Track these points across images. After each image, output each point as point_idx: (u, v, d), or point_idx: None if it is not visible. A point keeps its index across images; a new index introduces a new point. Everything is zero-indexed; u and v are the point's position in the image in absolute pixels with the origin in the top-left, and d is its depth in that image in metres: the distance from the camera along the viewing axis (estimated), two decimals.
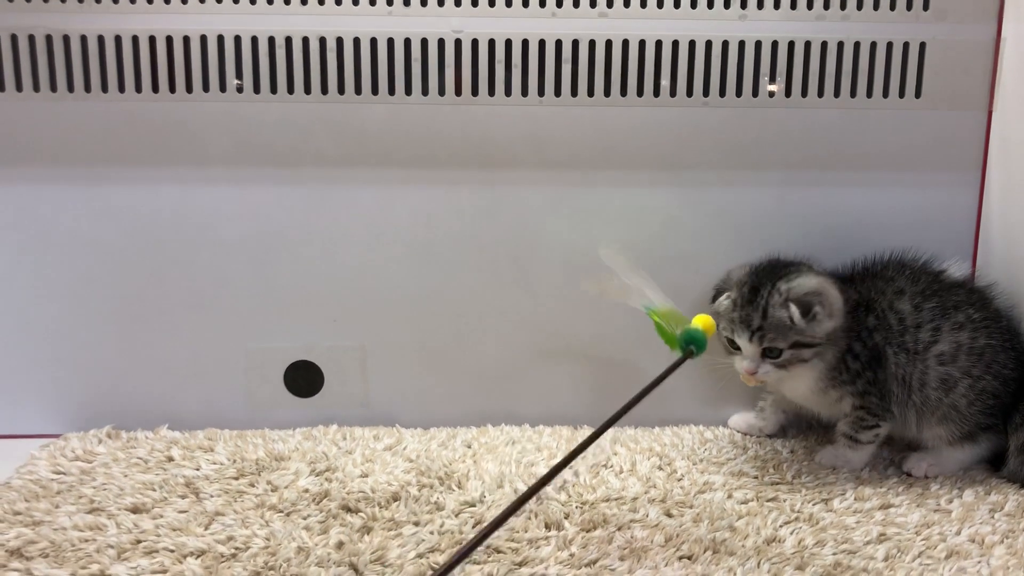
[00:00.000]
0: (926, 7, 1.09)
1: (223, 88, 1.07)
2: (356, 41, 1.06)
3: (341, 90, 1.08)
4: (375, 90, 1.08)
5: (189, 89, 1.07)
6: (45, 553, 0.84)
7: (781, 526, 0.92)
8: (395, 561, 0.84)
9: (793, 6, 1.08)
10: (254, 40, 1.06)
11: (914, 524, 0.92)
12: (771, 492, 0.99)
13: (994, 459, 1.05)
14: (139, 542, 0.86)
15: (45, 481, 0.98)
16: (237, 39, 1.06)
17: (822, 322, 0.99)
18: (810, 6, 1.08)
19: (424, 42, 1.07)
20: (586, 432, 1.14)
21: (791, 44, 1.09)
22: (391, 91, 1.08)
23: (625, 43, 1.08)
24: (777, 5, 1.08)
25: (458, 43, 1.07)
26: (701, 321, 0.92)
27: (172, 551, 0.85)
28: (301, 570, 0.82)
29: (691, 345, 0.90)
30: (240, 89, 1.06)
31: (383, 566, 0.83)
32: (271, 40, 1.06)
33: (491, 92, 1.09)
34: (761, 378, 1.01)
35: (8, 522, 0.89)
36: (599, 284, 0.99)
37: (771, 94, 1.09)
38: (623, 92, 1.09)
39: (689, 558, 0.85)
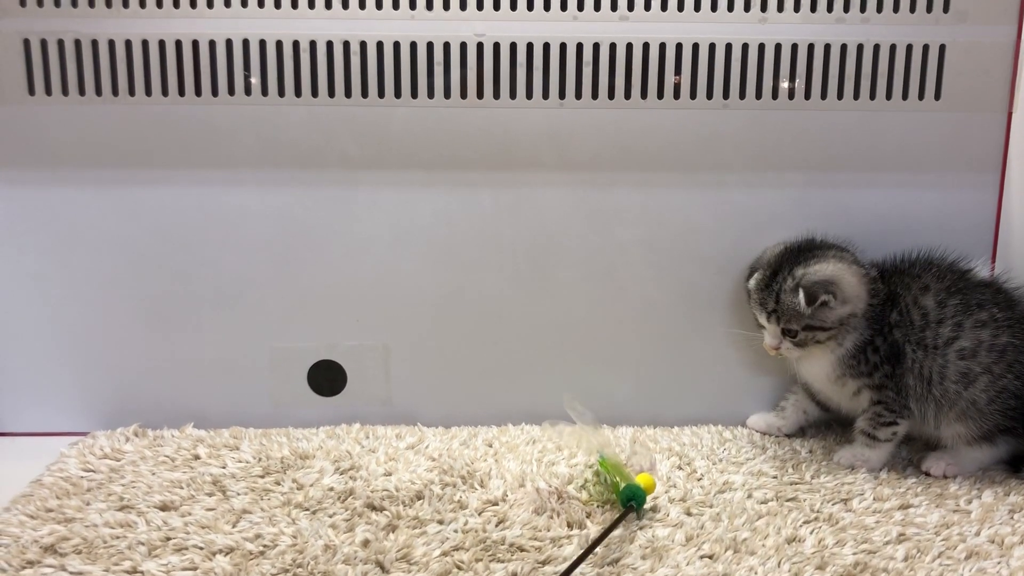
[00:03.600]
0: (946, 9, 1.09)
1: (248, 91, 1.08)
2: (379, 44, 1.08)
3: (365, 93, 1.09)
4: (398, 93, 1.09)
5: (215, 92, 1.08)
6: (78, 549, 0.86)
7: (801, 526, 0.92)
8: (420, 559, 0.85)
9: (813, 8, 1.08)
10: (279, 44, 1.07)
11: (933, 524, 0.93)
12: (791, 492, 1.00)
13: (1013, 461, 1.06)
14: (169, 539, 0.88)
15: (75, 479, 1.00)
16: (262, 43, 1.07)
17: (833, 309, 1.02)
18: (830, 8, 1.09)
19: (447, 45, 1.08)
20: (605, 431, 1.15)
21: (811, 46, 1.09)
22: (414, 94, 1.09)
23: (646, 46, 1.09)
24: (797, 8, 1.08)
25: (480, 46, 1.08)
26: (643, 480, 0.95)
27: (201, 548, 0.86)
28: (329, 567, 0.83)
29: (631, 500, 0.93)
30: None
31: (409, 564, 0.85)
32: (296, 44, 1.07)
33: (512, 95, 1.10)
34: (784, 353, 1.06)
35: (41, 519, 0.91)
36: (559, 432, 1.09)
37: (790, 93, 1.10)
38: (643, 95, 1.10)
39: (710, 557, 0.86)
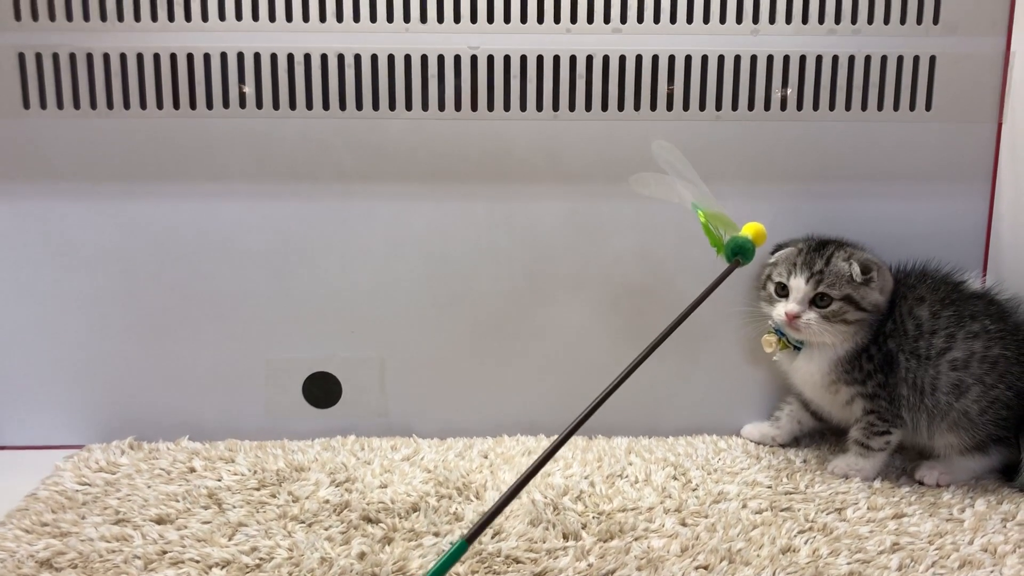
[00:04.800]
0: (936, 21, 1.10)
1: (243, 105, 1.08)
2: (374, 57, 1.08)
3: (359, 105, 1.09)
4: (392, 105, 1.09)
5: (210, 105, 1.08)
6: (74, 564, 0.86)
7: (795, 535, 0.93)
8: (416, 572, 0.85)
9: (804, 21, 1.09)
10: (273, 57, 1.07)
11: (927, 533, 0.93)
12: (785, 502, 1.00)
13: (1006, 469, 1.07)
14: (165, 553, 0.88)
15: (71, 492, 1.00)
16: (257, 56, 1.07)
17: (874, 291, 1.04)
18: (821, 20, 1.09)
19: (441, 58, 1.08)
20: (600, 442, 1.15)
21: (803, 58, 1.10)
22: (408, 106, 1.10)
23: (639, 58, 1.09)
24: (789, 20, 1.09)
25: (474, 59, 1.09)
26: (751, 229, 0.85)
27: (198, 562, 0.86)
28: None
29: (738, 255, 0.83)
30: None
31: None
32: (290, 57, 1.07)
33: (506, 107, 1.10)
34: (801, 324, 1.04)
35: (36, 533, 0.91)
36: (647, 183, 0.95)
37: (783, 101, 1.11)
38: (636, 106, 1.11)
39: (706, 568, 0.87)
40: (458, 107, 1.10)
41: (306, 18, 1.07)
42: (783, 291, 1.07)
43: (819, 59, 1.10)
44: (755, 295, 1.13)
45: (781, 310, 1.05)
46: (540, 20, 1.08)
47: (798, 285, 1.05)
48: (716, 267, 1.14)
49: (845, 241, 1.09)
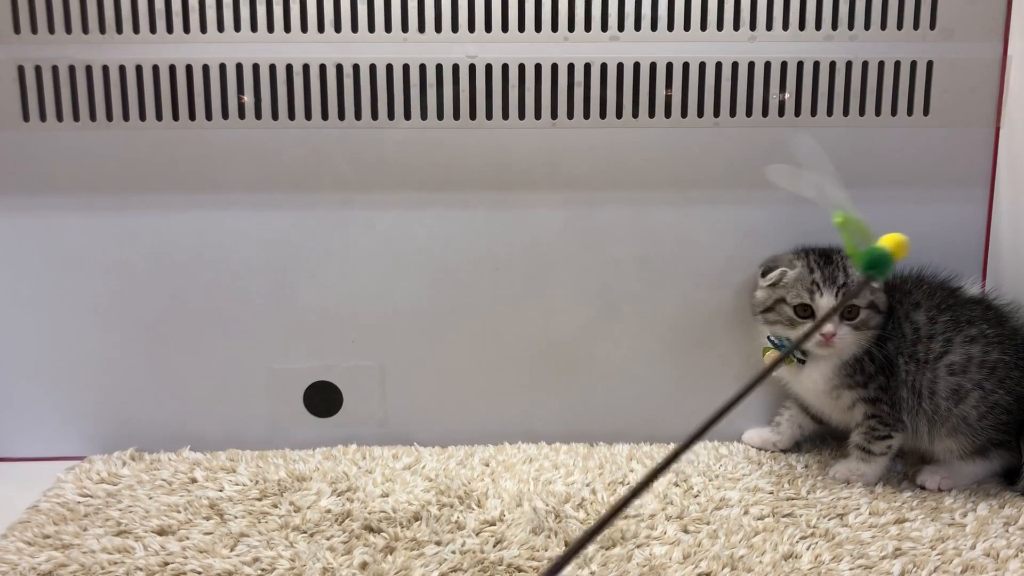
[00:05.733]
0: (933, 26, 1.10)
1: (242, 115, 1.09)
2: (372, 67, 1.08)
3: (358, 115, 1.10)
4: (391, 115, 1.10)
5: (209, 116, 1.09)
6: None
7: (797, 541, 0.93)
8: None
9: (802, 27, 1.10)
10: (272, 68, 1.08)
11: (929, 538, 0.93)
12: (787, 508, 1.00)
13: (1007, 473, 1.07)
14: (167, 564, 0.88)
15: (72, 504, 1.00)
16: (256, 67, 1.08)
17: (881, 292, 1.04)
18: (818, 27, 1.10)
19: (439, 67, 1.09)
20: (601, 449, 1.15)
21: (800, 64, 1.10)
22: (407, 116, 1.10)
23: (636, 65, 1.10)
24: (786, 26, 1.10)
25: (472, 68, 1.09)
26: (890, 241, 0.77)
27: (200, 573, 0.86)
28: None
29: (873, 269, 0.75)
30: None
31: None
32: (289, 68, 1.08)
33: (505, 115, 1.10)
34: (837, 341, 1.02)
35: (39, 545, 0.91)
36: (785, 175, 0.90)
37: (781, 105, 1.11)
38: (635, 113, 1.11)
39: (708, 575, 0.87)
40: (457, 116, 1.10)
41: (305, 29, 1.07)
42: (806, 312, 1.04)
43: (817, 65, 1.10)
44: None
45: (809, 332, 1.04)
46: (538, 29, 1.08)
47: (827, 303, 1.03)
48: (717, 273, 1.15)
49: (831, 247, 1.09)
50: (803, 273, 1.05)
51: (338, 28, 1.07)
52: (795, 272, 1.05)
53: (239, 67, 1.08)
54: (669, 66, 1.10)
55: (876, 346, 1.04)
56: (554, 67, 1.09)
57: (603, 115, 1.11)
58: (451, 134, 1.11)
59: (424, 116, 1.10)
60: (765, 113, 1.12)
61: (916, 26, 1.10)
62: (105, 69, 1.07)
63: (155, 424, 1.16)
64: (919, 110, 1.12)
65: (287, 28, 1.07)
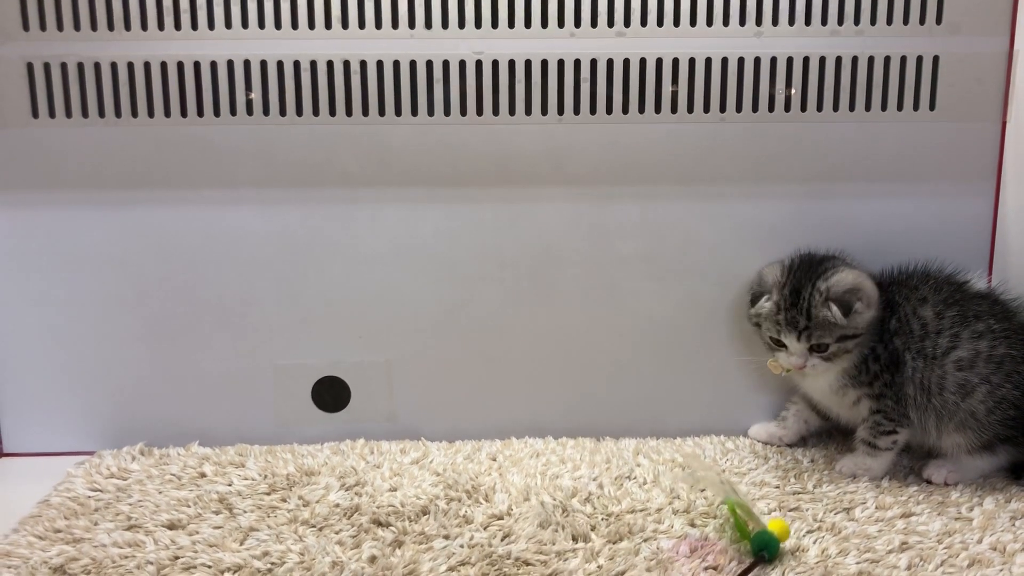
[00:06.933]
0: (939, 21, 1.10)
1: (250, 112, 1.09)
2: (379, 63, 1.09)
3: (365, 111, 1.10)
4: (398, 111, 1.10)
5: (216, 113, 1.09)
6: (87, 570, 0.86)
7: (804, 535, 0.93)
8: (427, 575, 0.86)
9: (808, 22, 1.10)
10: (279, 64, 1.08)
11: (936, 532, 0.94)
12: (793, 502, 1.00)
13: (1014, 468, 1.07)
14: (177, 558, 0.88)
15: (83, 498, 1.00)
16: (263, 63, 1.08)
17: (862, 314, 1.03)
18: (824, 22, 1.10)
19: (446, 63, 1.09)
20: (608, 444, 1.16)
21: (806, 60, 1.10)
22: (414, 112, 1.10)
23: (642, 61, 1.10)
24: (792, 21, 1.10)
25: (479, 64, 1.09)
26: (777, 526, 0.90)
27: (210, 567, 0.87)
28: None
29: (763, 550, 0.87)
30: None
31: None
32: (296, 64, 1.08)
33: (511, 111, 1.11)
34: (809, 370, 1.05)
35: (50, 539, 0.92)
36: (691, 477, 1.04)
37: (787, 99, 1.11)
38: (641, 109, 1.11)
39: (715, 568, 0.87)
40: (464, 112, 1.10)
41: (312, 25, 1.07)
42: (779, 344, 1.06)
43: (823, 60, 1.11)
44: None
45: (786, 362, 1.06)
46: (544, 25, 1.09)
47: (791, 343, 1.04)
48: (723, 269, 1.15)
49: (826, 256, 1.07)
50: (771, 311, 1.05)
51: (345, 24, 1.08)
52: (768, 306, 1.06)
53: (247, 64, 1.08)
54: (675, 62, 1.10)
55: (880, 343, 1.04)
56: (560, 63, 1.10)
57: (609, 111, 1.11)
58: (458, 130, 1.11)
59: (431, 112, 1.10)
60: (772, 108, 1.12)
61: (922, 21, 1.10)
62: (113, 66, 1.07)
63: (164, 419, 1.16)
64: (925, 105, 1.12)
65: (294, 25, 1.07)
